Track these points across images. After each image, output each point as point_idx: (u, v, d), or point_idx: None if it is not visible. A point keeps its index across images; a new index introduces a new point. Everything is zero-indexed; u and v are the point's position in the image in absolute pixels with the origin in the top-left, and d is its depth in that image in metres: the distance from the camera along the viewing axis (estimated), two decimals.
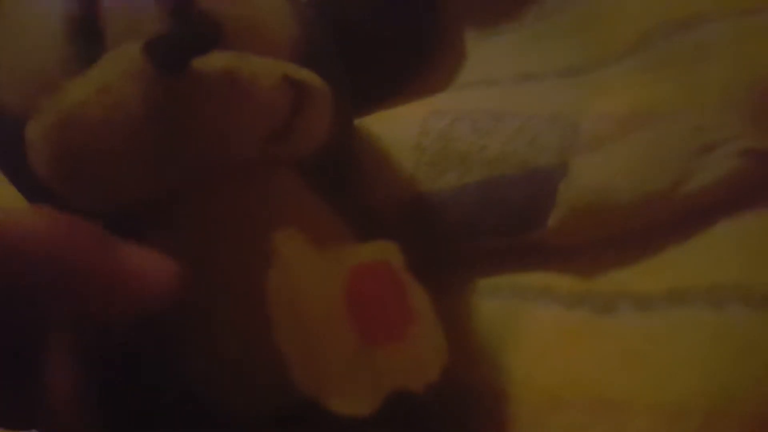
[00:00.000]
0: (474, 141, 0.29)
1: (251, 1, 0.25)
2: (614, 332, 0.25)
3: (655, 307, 0.25)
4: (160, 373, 0.23)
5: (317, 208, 0.26)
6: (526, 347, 0.26)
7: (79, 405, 0.21)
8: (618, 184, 0.26)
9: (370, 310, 0.23)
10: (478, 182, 0.29)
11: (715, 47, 0.27)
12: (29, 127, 0.22)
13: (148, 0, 0.23)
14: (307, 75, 0.24)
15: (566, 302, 0.26)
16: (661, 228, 0.26)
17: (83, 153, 0.22)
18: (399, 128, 0.31)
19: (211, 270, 0.23)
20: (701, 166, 0.26)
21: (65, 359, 0.21)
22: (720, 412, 0.22)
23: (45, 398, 0.21)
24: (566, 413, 0.24)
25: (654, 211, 0.26)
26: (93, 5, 0.23)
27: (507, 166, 0.29)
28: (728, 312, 0.23)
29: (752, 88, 0.26)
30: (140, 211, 0.24)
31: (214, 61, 0.22)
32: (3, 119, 0.24)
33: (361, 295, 0.23)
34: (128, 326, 0.22)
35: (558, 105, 0.29)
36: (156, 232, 0.24)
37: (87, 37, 0.23)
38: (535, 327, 0.26)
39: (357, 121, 0.32)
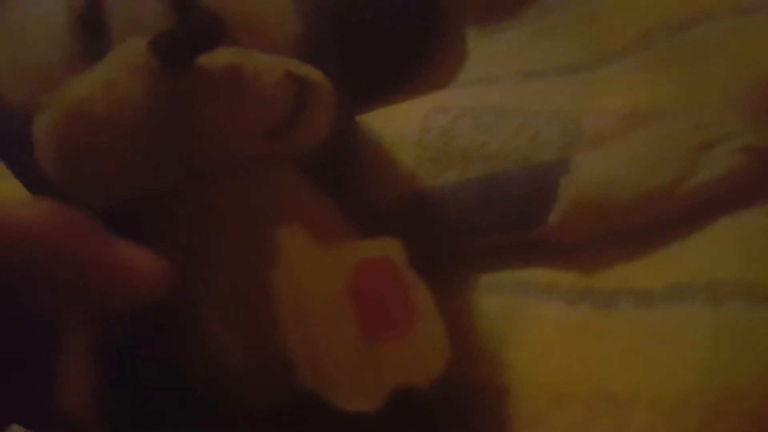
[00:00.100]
0: (475, 137, 0.29)
1: None
2: (615, 328, 0.25)
3: (656, 303, 0.25)
4: (162, 372, 0.23)
5: (319, 204, 0.26)
6: (527, 343, 0.26)
7: (92, 404, 0.21)
8: (619, 180, 0.26)
9: (374, 307, 0.23)
10: (479, 178, 0.29)
11: (716, 46, 0.27)
12: (35, 123, 0.22)
13: None
14: (309, 71, 0.24)
15: (568, 298, 0.26)
16: (662, 224, 0.26)
17: (88, 148, 0.22)
18: (401, 125, 0.31)
19: (212, 265, 0.24)
20: (702, 163, 0.26)
21: (78, 358, 0.21)
22: (720, 408, 0.22)
23: (55, 398, 0.21)
24: (568, 409, 0.24)
25: (655, 208, 0.26)
26: (97, 1, 0.23)
27: (508, 162, 0.29)
28: (729, 308, 0.23)
29: (752, 87, 0.26)
30: (143, 206, 0.24)
31: (218, 57, 0.22)
32: (8, 115, 0.24)
33: (364, 291, 0.23)
34: (129, 324, 0.23)
35: (559, 102, 0.29)
36: (158, 227, 0.24)
37: (91, 32, 0.23)
38: (537, 323, 0.27)
39: (359, 118, 0.32)
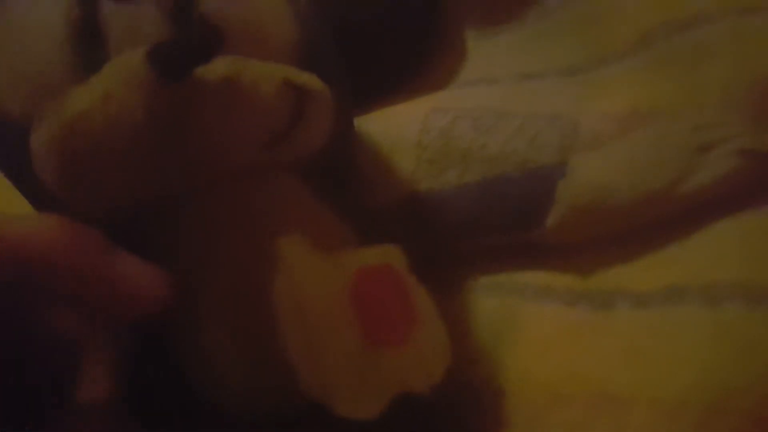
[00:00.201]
0: (475, 139, 0.30)
1: (251, 3, 0.25)
2: (613, 329, 0.25)
3: (653, 305, 0.25)
4: (164, 376, 0.23)
5: (319, 211, 0.26)
6: (526, 344, 0.26)
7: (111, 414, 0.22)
8: (617, 182, 0.26)
9: (375, 314, 0.23)
10: (478, 180, 0.29)
11: (715, 47, 0.27)
12: (34, 136, 0.22)
13: (149, 5, 0.23)
14: (307, 79, 0.24)
15: (566, 299, 0.27)
16: (660, 226, 0.26)
17: (87, 161, 0.22)
18: (400, 126, 0.31)
19: (213, 273, 0.24)
20: (700, 165, 0.26)
21: (98, 368, 0.22)
22: (718, 407, 0.22)
23: (75, 410, 0.21)
24: (566, 409, 0.24)
25: (653, 210, 0.26)
26: (95, 11, 0.23)
27: (507, 164, 0.29)
28: (726, 309, 0.23)
29: (752, 88, 0.26)
30: (144, 216, 0.24)
31: (216, 67, 0.22)
32: (7, 126, 0.24)
33: (365, 298, 0.23)
34: (132, 331, 0.23)
35: (558, 104, 0.29)
36: (159, 237, 0.24)
37: (89, 43, 0.23)
38: (535, 324, 0.27)
39: (358, 120, 0.32)
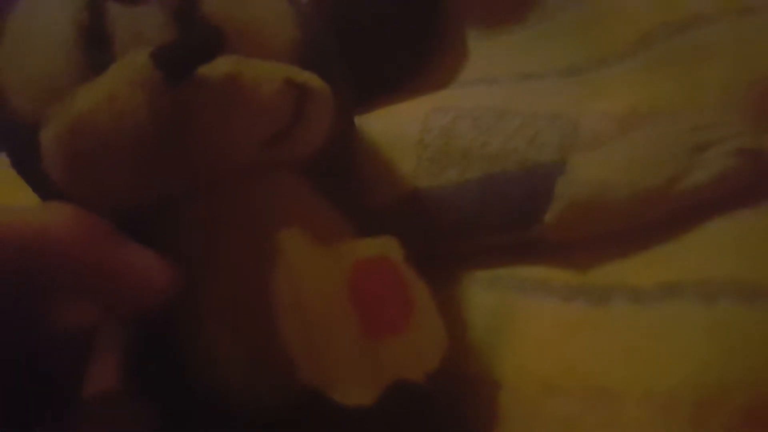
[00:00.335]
0: (475, 138, 0.30)
1: (252, 3, 0.25)
2: (609, 324, 0.25)
3: (649, 300, 0.25)
4: (165, 372, 0.24)
5: (319, 207, 0.26)
6: (522, 338, 0.27)
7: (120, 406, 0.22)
8: (616, 180, 0.27)
9: (373, 304, 0.23)
10: (478, 178, 0.29)
11: (715, 47, 0.28)
12: (42, 134, 0.23)
13: (153, 7, 0.24)
14: (308, 78, 0.24)
15: (562, 295, 0.27)
16: (657, 223, 0.26)
17: (93, 159, 0.23)
18: (401, 125, 0.32)
19: (214, 269, 0.24)
20: (698, 164, 0.26)
21: (109, 362, 0.22)
22: (712, 402, 0.22)
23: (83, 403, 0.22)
24: (561, 401, 0.25)
25: (651, 208, 0.26)
26: (101, 13, 0.24)
27: (508, 162, 0.29)
28: (721, 306, 0.24)
29: (751, 88, 0.26)
30: (147, 213, 0.25)
31: (218, 67, 0.23)
32: (17, 124, 0.25)
33: (363, 289, 0.23)
34: (136, 325, 0.23)
35: (558, 104, 0.30)
36: (162, 234, 0.25)
37: (96, 44, 0.24)
38: (532, 319, 0.27)
39: (359, 118, 0.32)
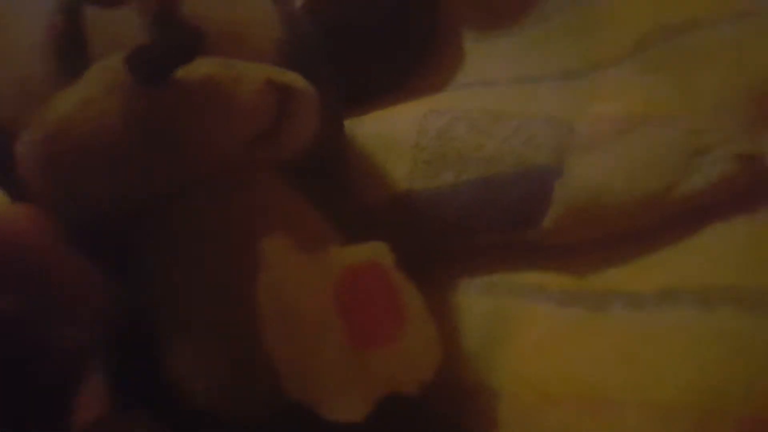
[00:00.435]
0: (471, 140, 0.30)
1: (234, 4, 0.25)
2: (607, 330, 0.25)
3: (647, 306, 0.25)
4: (149, 378, 0.23)
5: (304, 211, 0.26)
6: (519, 345, 0.26)
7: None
8: (613, 185, 0.26)
9: (361, 313, 0.23)
10: (474, 180, 0.29)
11: (712, 51, 0.27)
12: (18, 142, 0.23)
13: (131, 10, 0.24)
14: (291, 78, 0.24)
15: (559, 300, 0.27)
16: (654, 229, 0.26)
17: (70, 164, 0.22)
18: (397, 127, 0.32)
19: (197, 274, 0.24)
20: (695, 168, 0.26)
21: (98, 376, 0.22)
22: (710, 411, 0.22)
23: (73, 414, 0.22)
24: (559, 410, 0.24)
25: (648, 212, 0.26)
26: (76, 17, 0.24)
27: (503, 165, 0.29)
28: (719, 313, 0.23)
29: (747, 93, 0.26)
30: (126, 219, 0.24)
31: (196, 69, 0.22)
32: None
33: (351, 297, 0.23)
34: (118, 335, 0.23)
35: (555, 107, 0.29)
36: (144, 239, 0.24)
37: (71, 49, 0.24)
38: (529, 324, 0.27)
39: (355, 121, 0.32)
